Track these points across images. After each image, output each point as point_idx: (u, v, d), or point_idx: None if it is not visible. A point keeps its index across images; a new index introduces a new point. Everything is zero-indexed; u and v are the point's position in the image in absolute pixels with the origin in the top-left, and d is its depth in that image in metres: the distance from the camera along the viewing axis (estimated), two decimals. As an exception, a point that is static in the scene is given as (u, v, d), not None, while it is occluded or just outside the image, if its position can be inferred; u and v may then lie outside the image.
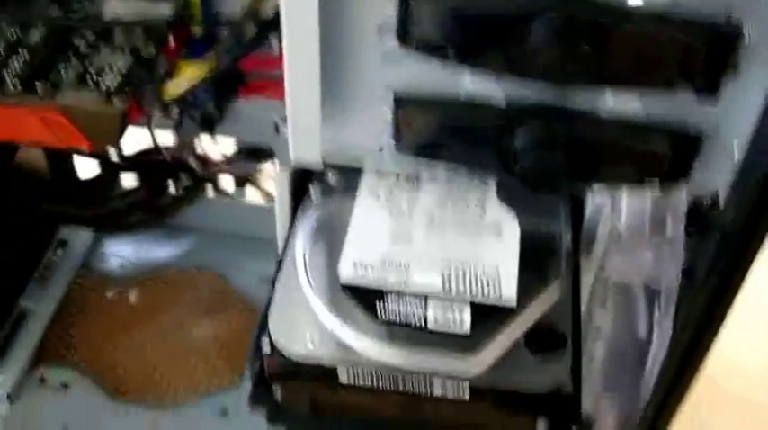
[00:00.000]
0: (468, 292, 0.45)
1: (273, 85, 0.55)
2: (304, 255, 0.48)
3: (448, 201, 0.50)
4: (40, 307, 0.88)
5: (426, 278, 0.46)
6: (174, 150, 0.80)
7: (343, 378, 0.44)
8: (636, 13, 0.39)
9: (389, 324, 0.45)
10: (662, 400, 0.54)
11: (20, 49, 0.61)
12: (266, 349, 0.44)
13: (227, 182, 0.92)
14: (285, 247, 0.49)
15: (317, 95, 0.44)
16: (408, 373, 0.44)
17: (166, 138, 0.76)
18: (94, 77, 0.59)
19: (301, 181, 0.52)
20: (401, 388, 0.44)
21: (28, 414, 0.80)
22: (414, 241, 0.48)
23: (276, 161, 0.50)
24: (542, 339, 0.44)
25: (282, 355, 0.44)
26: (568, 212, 0.50)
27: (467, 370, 0.43)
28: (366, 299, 0.45)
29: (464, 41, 0.40)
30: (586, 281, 0.52)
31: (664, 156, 0.44)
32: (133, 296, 0.90)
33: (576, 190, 0.51)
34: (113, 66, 0.60)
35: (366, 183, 0.51)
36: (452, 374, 0.43)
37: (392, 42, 0.42)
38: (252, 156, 0.84)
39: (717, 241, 0.46)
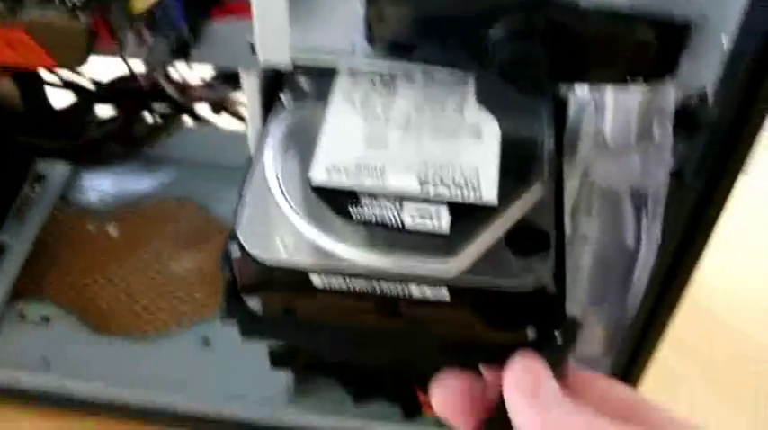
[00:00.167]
0: (446, 194, 0.44)
1: (249, 6, 0.52)
2: (275, 159, 0.46)
3: (425, 105, 0.48)
4: (18, 242, 0.86)
5: (403, 180, 0.44)
6: (149, 76, 0.77)
7: (318, 282, 0.42)
8: None
9: (365, 226, 0.43)
10: (651, 311, 0.53)
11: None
12: (236, 254, 0.42)
13: (205, 110, 0.90)
14: (256, 153, 0.47)
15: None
16: (386, 276, 0.42)
17: (142, 67, 0.74)
18: (58, -8, 0.57)
19: (273, 88, 0.50)
20: (378, 291, 0.42)
21: (8, 349, 0.78)
22: (389, 145, 0.46)
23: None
24: (524, 239, 0.42)
25: (254, 261, 0.42)
26: (551, 114, 0.48)
27: (446, 270, 0.41)
28: (340, 202, 0.44)
29: None
30: (571, 186, 0.51)
31: (650, 48, 0.42)
32: (113, 229, 0.88)
33: (558, 90, 0.49)
34: (77, -21, 0.57)
35: (340, 88, 0.49)
36: (431, 274, 0.41)
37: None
38: (229, 81, 0.82)
39: (705, 139, 0.44)
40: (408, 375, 0.71)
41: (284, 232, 0.43)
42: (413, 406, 0.72)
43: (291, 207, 0.44)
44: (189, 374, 0.75)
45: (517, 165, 0.46)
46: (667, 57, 0.43)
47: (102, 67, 0.80)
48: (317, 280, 0.43)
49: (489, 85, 0.48)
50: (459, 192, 0.44)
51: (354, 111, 0.48)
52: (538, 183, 0.45)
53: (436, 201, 0.44)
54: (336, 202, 0.44)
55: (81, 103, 0.87)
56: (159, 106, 0.88)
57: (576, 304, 0.56)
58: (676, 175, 0.48)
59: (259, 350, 0.67)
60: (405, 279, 0.42)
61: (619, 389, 0.37)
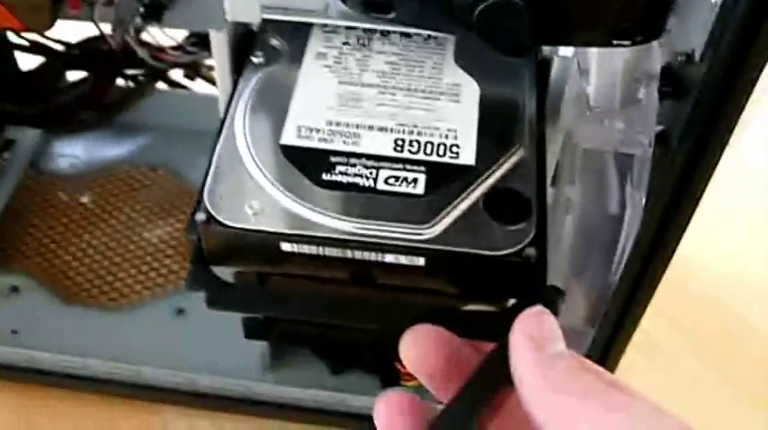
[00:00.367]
0: (423, 156, 0.42)
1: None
2: (244, 120, 0.44)
3: (401, 65, 0.46)
4: (-13, 210, 0.84)
5: (377, 142, 0.42)
6: (118, 38, 0.75)
7: (288, 249, 0.41)
8: None
9: (337, 189, 0.41)
10: (635, 280, 0.51)
11: None
12: (201, 217, 0.41)
13: (178, 74, 0.87)
14: (225, 114, 0.45)
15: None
16: (359, 242, 0.40)
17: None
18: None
19: (243, 48, 0.48)
20: (351, 257, 0.40)
21: (-24, 320, 0.76)
22: (364, 105, 0.44)
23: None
24: (504, 205, 0.41)
25: (221, 226, 0.40)
26: (533, 75, 0.46)
27: (421, 236, 0.40)
28: (311, 164, 0.42)
29: None
30: (554, 151, 0.49)
31: (637, 4, 0.40)
32: (85, 197, 0.86)
33: (540, 51, 0.47)
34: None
35: (313, 46, 0.47)
36: (406, 240, 0.40)
37: None
38: (203, 44, 0.79)
39: (692, 99, 0.42)
40: (386, 345, 0.69)
41: (253, 196, 0.41)
42: (391, 376, 0.71)
43: (260, 170, 0.42)
44: (163, 346, 0.73)
45: (497, 127, 0.44)
46: (654, 16, 0.41)
47: (74, 31, 0.78)
48: (287, 246, 0.41)
49: (469, 44, 0.47)
50: (435, 154, 0.42)
51: (328, 68, 0.46)
52: (519, 146, 0.43)
53: (412, 163, 0.42)
54: (307, 165, 0.42)
55: (50, 65, 0.84)
56: (132, 71, 0.86)
57: (557, 273, 0.54)
58: (662, 138, 0.46)
59: (234, 321, 0.65)
60: (378, 246, 0.40)
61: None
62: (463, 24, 0.40)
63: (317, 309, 0.43)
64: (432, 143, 0.43)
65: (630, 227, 0.50)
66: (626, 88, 0.47)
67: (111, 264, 0.80)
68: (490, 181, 0.42)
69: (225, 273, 0.43)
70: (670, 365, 0.81)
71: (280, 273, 0.43)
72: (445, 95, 0.45)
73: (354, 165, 0.42)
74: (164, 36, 0.76)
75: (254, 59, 0.47)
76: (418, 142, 0.43)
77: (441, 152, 0.43)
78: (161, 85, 0.89)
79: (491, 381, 0.36)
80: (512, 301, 0.42)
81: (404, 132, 0.43)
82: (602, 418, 0.29)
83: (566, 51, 0.47)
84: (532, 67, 0.47)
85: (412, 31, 0.47)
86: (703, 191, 0.46)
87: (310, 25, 0.48)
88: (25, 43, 0.82)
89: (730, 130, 0.42)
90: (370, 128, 0.43)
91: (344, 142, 0.43)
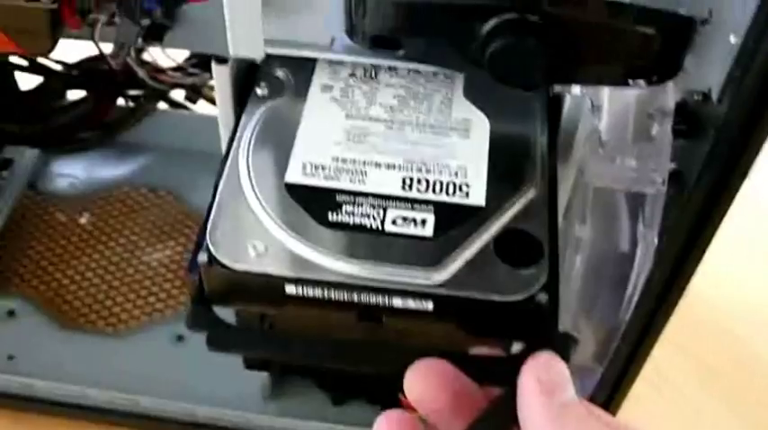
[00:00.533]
0: (431, 196, 0.41)
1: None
2: (248, 156, 0.43)
3: (410, 99, 0.45)
4: (-16, 231, 0.83)
5: (385, 181, 0.41)
6: (119, 59, 0.74)
7: (291, 292, 0.39)
8: None
9: (343, 230, 0.40)
10: (646, 321, 0.50)
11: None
12: (203, 258, 0.39)
13: (179, 94, 0.86)
14: (228, 149, 0.44)
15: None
16: (365, 286, 0.39)
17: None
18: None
19: (247, 77, 0.47)
20: (357, 301, 0.39)
21: (-28, 344, 0.75)
22: (371, 140, 0.43)
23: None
24: (515, 247, 0.39)
25: (223, 267, 0.39)
26: (544, 110, 0.45)
27: (430, 280, 0.38)
28: (317, 203, 0.41)
29: None
30: (565, 188, 0.48)
31: (652, 44, 0.39)
32: (83, 218, 0.85)
33: (552, 88, 0.46)
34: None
35: (319, 78, 0.46)
36: (414, 285, 0.39)
37: None
38: (205, 65, 0.78)
39: (711, 139, 0.41)
40: (389, 377, 0.68)
41: (256, 237, 0.40)
42: (393, 408, 0.69)
43: (264, 209, 0.41)
44: (161, 374, 0.72)
45: (508, 165, 0.43)
46: (670, 55, 0.39)
47: (74, 50, 0.77)
48: (290, 289, 0.40)
49: (479, 78, 0.45)
50: (444, 194, 0.41)
51: (334, 102, 0.45)
52: (530, 185, 0.42)
53: (421, 203, 0.41)
54: (313, 204, 0.41)
55: (49, 84, 0.83)
56: (133, 91, 0.85)
57: (566, 310, 0.53)
58: (676, 177, 0.45)
59: (234, 349, 0.64)
60: (385, 289, 0.39)
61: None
62: (474, 62, 0.39)
63: (320, 352, 0.41)
64: (441, 182, 0.42)
65: (642, 265, 0.49)
66: (638, 123, 0.46)
67: (109, 288, 0.79)
68: (501, 222, 0.40)
69: (223, 310, 0.42)
70: (676, 395, 0.79)
71: (281, 314, 0.42)
72: (454, 131, 0.44)
73: (361, 205, 0.41)
74: (165, 57, 0.75)
75: (259, 91, 0.46)
76: (427, 181, 0.42)
77: (450, 191, 0.42)
78: (162, 105, 0.88)
79: (497, 424, 0.35)
80: (522, 346, 0.40)
81: (412, 170, 0.42)
82: None
83: (578, 88, 0.46)
84: (544, 103, 0.46)
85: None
86: (718, 231, 0.45)
87: (316, 56, 0.47)
88: (24, 63, 0.81)
89: (748, 172, 0.41)
90: (378, 165, 0.42)
91: (351, 180, 0.42)
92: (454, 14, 0.38)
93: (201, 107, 0.88)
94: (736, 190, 0.42)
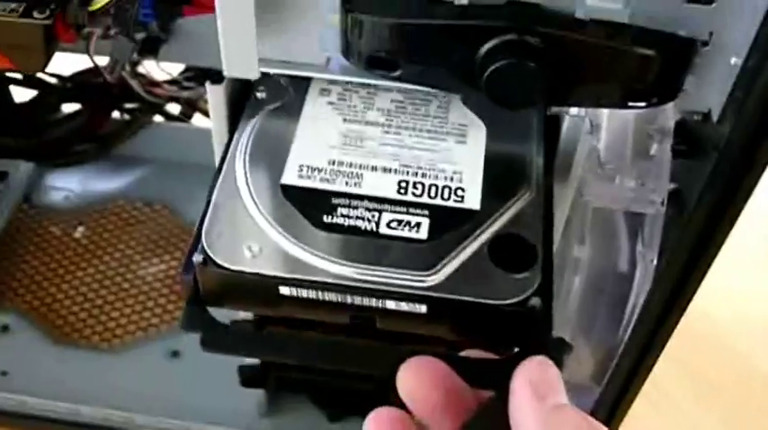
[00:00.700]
0: (427, 199, 0.41)
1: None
2: (245, 158, 0.43)
3: (407, 103, 0.46)
4: (-22, 245, 0.82)
5: (380, 182, 0.42)
6: (114, 73, 0.73)
7: (286, 293, 0.39)
8: None
9: (338, 233, 0.40)
10: (645, 341, 0.50)
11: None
12: (198, 258, 0.39)
13: (174, 107, 0.86)
14: (224, 155, 0.44)
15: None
16: (359, 288, 0.39)
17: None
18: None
19: (243, 93, 0.47)
20: (350, 301, 0.39)
21: (-35, 359, 0.74)
22: (368, 144, 0.44)
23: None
24: (509, 252, 0.39)
25: (218, 267, 0.39)
26: (541, 119, 0.45)
27: (423, 280, 0.39)
28: (312, 206, 0.41)
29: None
30: (563, 208, 0.47)
31: (652, 66, 0.38)
32: (78, 232, 0.84)
33: (550, 108, 0.46)
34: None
35: (317, 82, 0.47)
36: (408, 288, 0.39)
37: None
38: (200, 78, 0.78)
39: (712, 159, 0.40)
40: (384, 393, 0.68)
41: (252, 238, 0.40)
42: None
43: (260, 210, 0.41)
44: (156, 390, 0.72)
45: (504, 170, 0.44)
46: (671, 77, 0.39)
47: (69, 63, 0.77)
48: (284, 290, 0.40)
49: (476, 97, 0.45)
50: (440, 197, 0.42)
51: (332, 107, 0.46)
52: (525, 190, 0.42)
53: (416, 206, 0.41)
54: (308, 206, 0.41)
55: (44, 97, 0.83)
56: (128, 104, 0.85)
57: (565, 329, 0.53)
58: (675, 197, 0.45)
59: (230, 364, 0.63)
60: (379, 292, 0.39)
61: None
62: (471, 84, 0.39)
63: (314, 353, 0.41)
64: (436, 185, 0.42)
65: (641, 285, 0.49)
66: (637, 143, 0.45)
67: (104, 303, 0.78)
68: (495, 226, 0.41)
69: (221, 313, 0.42)
70: (674, 410, 0.79)
71: (277, 316, 0.42)
72: (451, 136, 0.45)
73: (356, 208, 0.41)
74: (160, 71, 0.75)
75: (258, 95, 0.46)
76: (422, 184, 0.42)
77: (445, 195, 0.42)
78: (158, 118, 0.88)
79: (489, 426, 0.35)
80: (515, 350, 0.40)
81: (408, 174, 0.43)
82: None
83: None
84: (542, 110, 0.46)
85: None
86: (720, 250, 0.45)
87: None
88: (19, 76, 0.81)
89: (751, 192, 0.41)
90: (374, 168, 0.43)
91: (347, 183, 0.42)
92: (451, 36, 0.38)
93: (197, 120, 0.87)
94: (740, 210, 0.42)
